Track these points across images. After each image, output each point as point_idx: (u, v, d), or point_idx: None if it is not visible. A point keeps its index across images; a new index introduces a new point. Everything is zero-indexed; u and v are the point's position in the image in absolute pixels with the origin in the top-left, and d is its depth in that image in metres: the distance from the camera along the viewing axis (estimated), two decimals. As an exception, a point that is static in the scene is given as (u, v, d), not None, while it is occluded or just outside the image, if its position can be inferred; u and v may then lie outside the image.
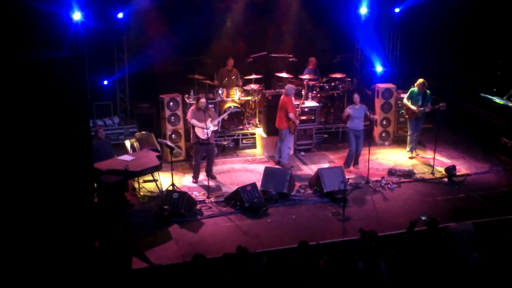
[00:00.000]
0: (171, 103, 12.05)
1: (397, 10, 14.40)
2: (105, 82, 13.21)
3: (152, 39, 13.58)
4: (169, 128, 12.07)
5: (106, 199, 8.79)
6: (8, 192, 6.89)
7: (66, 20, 11.54)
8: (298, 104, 12.38)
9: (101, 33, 12.47)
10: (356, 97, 11.53)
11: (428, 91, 12.07)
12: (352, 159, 11.69)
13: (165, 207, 9.49)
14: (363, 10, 14.34)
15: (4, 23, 10.26)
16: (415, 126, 12.37)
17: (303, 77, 13.52)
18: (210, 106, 11.53)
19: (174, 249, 8.65)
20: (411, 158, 12.42)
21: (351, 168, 11.68)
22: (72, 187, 7.25)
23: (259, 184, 10.32)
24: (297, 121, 11.81)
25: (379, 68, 14.03)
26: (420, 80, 12.05)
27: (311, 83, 13.49)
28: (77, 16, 11.65)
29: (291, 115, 11.49)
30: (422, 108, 11.98)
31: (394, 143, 13.43)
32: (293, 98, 11.87)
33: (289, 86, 11.85)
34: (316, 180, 10.57)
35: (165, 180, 10.77)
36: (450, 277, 6.67)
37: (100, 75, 13.03)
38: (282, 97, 11.75)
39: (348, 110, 11.55)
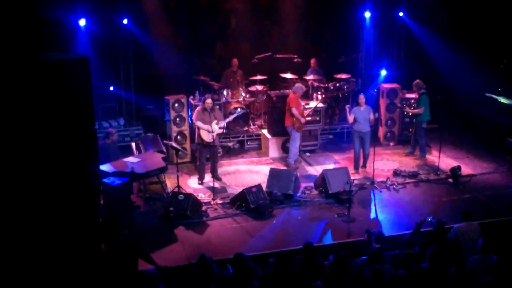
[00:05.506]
0: (176, 105, 12.07)
1: (401, 14, 14.41)
2: (111, 88, 13.25)
3: (157, 40, 13.62)
4: (174, 129, 12.09)
5: (112, 201, 8.82)
6: (13, 193, 6.92)
7: (72, 26, 11.62)
8: (303, 105, 12.36)
9: (106, 38, 12.54)
10: (362, 98, 11.39)
11: (422, 96, 12.05)
12: (358, 161, 11.60)
13: (171, 208, 9.50)
14: (367, 13, 14.29)
15: (13, 28, 10.34)
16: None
17: (308, 78, 13.51)
18: (216, 107, 11.40)
19: (179, 251, 8.67)
20: (409, 155, 12.52)
21: (360, 170, 11.62)
22: (78, 188, 7.27)
23: (264, 186, 10.33)
24: (303, 120, 11.71)
25: (383, 72, 14.02)
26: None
27: (315, 83, 13.50)
28: (82, 22, 11.71)
29: (294, 110, 11.43)
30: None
31: (399, 144, 13.40)
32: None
33: (298, 84, 11.81)
34: (322, 181, 10.57)
35: (170, 181, 10.80)
36: (454, 277, 6.65)
37: (106, 79, 13.08)
38: (289, 95, 11.75)
39: (351, 115, 11.35)
